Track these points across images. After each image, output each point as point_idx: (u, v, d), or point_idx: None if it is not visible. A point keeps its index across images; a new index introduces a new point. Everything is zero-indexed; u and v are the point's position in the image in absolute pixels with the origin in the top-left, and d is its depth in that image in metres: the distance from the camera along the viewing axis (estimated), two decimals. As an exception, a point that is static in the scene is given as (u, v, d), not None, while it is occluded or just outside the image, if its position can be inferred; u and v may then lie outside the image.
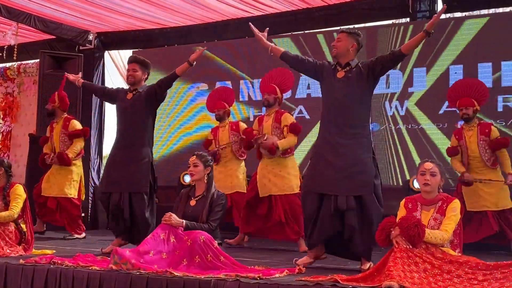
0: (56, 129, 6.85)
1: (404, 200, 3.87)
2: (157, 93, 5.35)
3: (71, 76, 5.86)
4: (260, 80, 6.79)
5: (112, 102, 5.68)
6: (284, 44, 8.72)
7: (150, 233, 4.83)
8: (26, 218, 5.06)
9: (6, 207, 4.95)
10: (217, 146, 6.73)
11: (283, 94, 6.48)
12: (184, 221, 4.31)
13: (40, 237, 6.45)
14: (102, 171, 10.03)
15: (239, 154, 6.77)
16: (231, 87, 9.04)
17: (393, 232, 3.52)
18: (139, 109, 5.31)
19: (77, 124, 6.87)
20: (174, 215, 4.30)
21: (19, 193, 5.01)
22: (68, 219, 6.81)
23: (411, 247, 3.44)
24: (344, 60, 4.55)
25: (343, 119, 4.41)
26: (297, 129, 6.04)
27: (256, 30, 4.74)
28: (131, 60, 5.46)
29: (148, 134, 5.34)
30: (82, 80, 5.77)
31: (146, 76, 5.45)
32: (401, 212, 3.80)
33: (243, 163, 6.84)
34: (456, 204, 3.70)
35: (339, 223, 4.35)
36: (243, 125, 6.89)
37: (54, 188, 6.77)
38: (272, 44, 4.85)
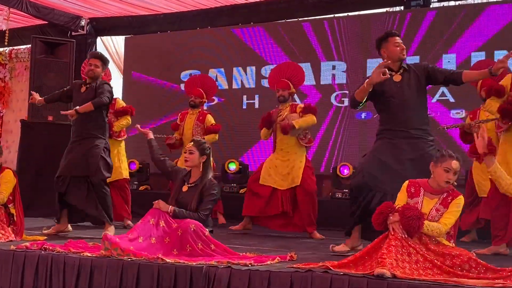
0: None
1: (407, 182, 3.78)
2: None
3: (35, 100, 5.88)
4: (269, 74, 6.86)
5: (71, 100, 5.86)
6: (275, 31, 8.71)
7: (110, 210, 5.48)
8: (16, 202, 5.10)
9: None
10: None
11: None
12: (170, 207, 4.26)
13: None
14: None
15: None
16: (224, 74, 9.06)
17: (391, 217, 3.49)
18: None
19: (123, 102, 6.90)
20: (161, 202, 4.27)
21: (9, 179, 5.06)
22: (121, 204, 6.66)
23: (406, 236, 3.42)
24: (397, 64, 4.52)
25: (408, 122, 4.40)
26: (313, 109, 6.17)
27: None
28: (95, 56, 5.74)
29: (102, 125, 5.59)
30: (42, 98, 5.93)
31: (103, 72, 5.77)
32: (402, 194, 3.73)
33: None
34: (461, 201, 3.64)
35: None
36: (210, 119, 6.96)
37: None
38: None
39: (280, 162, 6.17)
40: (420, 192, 3.71)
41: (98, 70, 5.63)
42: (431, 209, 3.62)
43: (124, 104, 6.86)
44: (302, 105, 6.26)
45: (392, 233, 3.44)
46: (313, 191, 6.09)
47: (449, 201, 3.64)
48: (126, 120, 6.70)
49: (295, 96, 7.37)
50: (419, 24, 7.85)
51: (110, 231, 5.28)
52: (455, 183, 3.71)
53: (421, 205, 3.65)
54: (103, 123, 5.62)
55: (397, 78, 4.50)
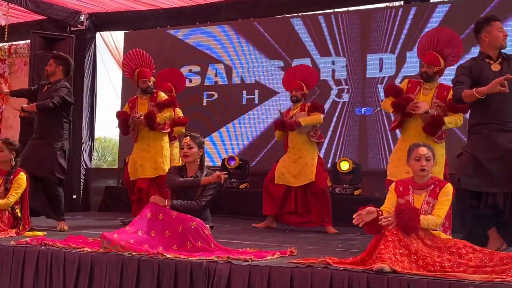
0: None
1: (394, 183, 3.79)
2: None
3: (1, 89, 5.95)
4: (284, 74, 6.98)
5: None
6: (275, 26, 8.69)
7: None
8: (24, 205, 5.13)
9: (6, 192, 5.01)
10: (133, 115, 6.24)
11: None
12: (167, 200, 4.31)
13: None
14: (93, 153, 10.02)
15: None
16: (224, 70, 9.05)
17: (384, 222, 3.40)
18: None
19: (165, 95, 6.59)
20: (157, 197, 4.34)
21: (21, 183, 5.08)
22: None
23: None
24: (496, 52, 4.31)
25: (505, 114, 4.19)
26: (319, 107, 6.31)
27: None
28: (51, 55, 5.86)
29: (58, 127, 5.59)
30: (8, 90, 6.01)
31: (61, 68, 5.71)
32: (391, 195, 3.74)
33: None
34: (449, 188, 3.65)
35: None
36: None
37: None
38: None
39: (292, 161, 6.24)
40: (409, 190, 3.73)
41: (50, 67, 5.69)
42: (422, 203, 3.64)
43: (166, 97, 6.55)
44: (309, 104, 6.37)
45: (388, 230, 3.40)
46: (325, 188, 6.18)
47: (438, 191, 3.65)
48: (169, 113, 6.40)
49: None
50: (420, 19, 7.83)
51: (64, 226, 5.49)
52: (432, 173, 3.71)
53: (412, 202, 3.66)
54: (59, 123, 5.61)
55: (495, 67, 4.27)
